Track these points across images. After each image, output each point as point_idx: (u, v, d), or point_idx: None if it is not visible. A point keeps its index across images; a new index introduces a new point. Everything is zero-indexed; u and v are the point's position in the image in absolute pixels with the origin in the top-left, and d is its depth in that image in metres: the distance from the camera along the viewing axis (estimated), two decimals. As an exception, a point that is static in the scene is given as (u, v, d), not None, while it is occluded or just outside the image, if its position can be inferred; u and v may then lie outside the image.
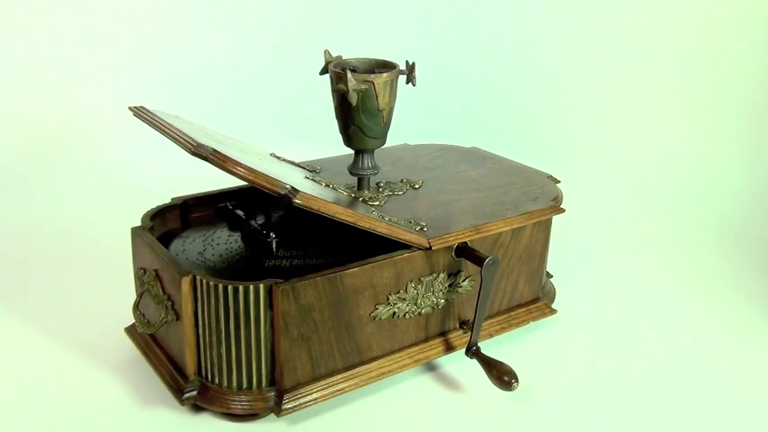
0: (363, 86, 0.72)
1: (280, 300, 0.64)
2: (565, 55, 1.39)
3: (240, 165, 0.61)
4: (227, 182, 0.77)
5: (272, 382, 0.67)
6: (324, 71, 0.77)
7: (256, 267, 0.72)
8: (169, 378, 0.70)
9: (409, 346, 0.75)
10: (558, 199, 0.84)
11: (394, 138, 0.86)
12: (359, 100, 0.73)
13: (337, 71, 0.73)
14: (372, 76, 0.73)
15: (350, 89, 0.71)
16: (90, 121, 1.33)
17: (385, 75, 0.74)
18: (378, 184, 0.85)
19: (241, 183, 0.76)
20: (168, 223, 0.79)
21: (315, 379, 0.69)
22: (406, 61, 0.78)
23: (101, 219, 1.11)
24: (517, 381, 0.71)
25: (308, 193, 0.63)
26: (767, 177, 1.29)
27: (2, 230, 1.06)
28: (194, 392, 0.68)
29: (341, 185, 0.81)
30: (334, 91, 0.74)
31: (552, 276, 0.94)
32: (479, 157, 0.98)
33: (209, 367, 0.67)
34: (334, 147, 0.88)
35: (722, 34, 1.33)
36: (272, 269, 0.72)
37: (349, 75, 0.71)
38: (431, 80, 1.34)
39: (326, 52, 0.77)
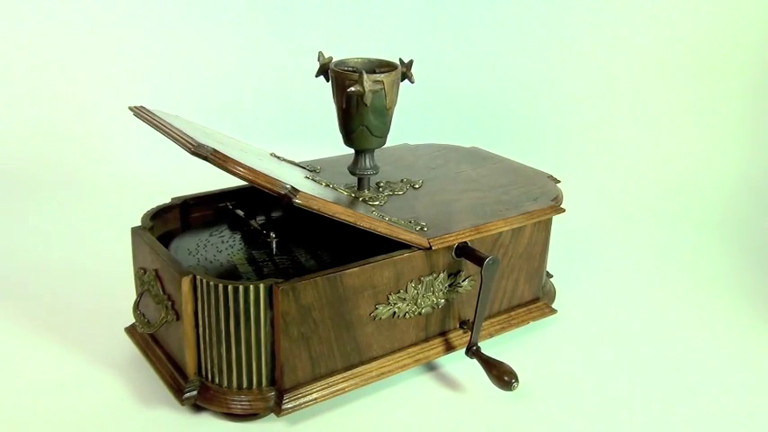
0: (378, 87, 0.72)
1: (280, 300, 0.64)
2: (565, 55, 1.39)
3: (240, 165, 0.61)
4: (227, 182, 0.77)
5: (272, 381, 0.67)
6: (320, 73, 0.77)
7: (256, 267, 0.72)
8: (169, 378, 0.70)
9: (409, 346, 0.75)
10: (558, 199, 0.84)
11: (394, 138, 0.86)
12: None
13: (345, 72, 0.73)
14: (382, 75, 0.73)
15: (366, 90, 0.71)
16: (90, 120, 1.33)
17: (392, 74, 0.74)
18: (378, 184, 0.85)
19: (241, 183, 0.76)
20: (168, 223, 0.79)
21: (315, 379, 0.69)
22: (400, 59, 0.78)
23: (101, 219, 1.11)
24: (517, 381, 0.71)
25: (308, 192, 0.63)
26: (767, 177, 1.29)
27: (2, 230, 1.06)
28: (194, 392, 0.68)
29: (341, 185, 0.81)
30: (345, 92, 0.73)
31: (552, 276, 0.94)
32: (479, 157, 0.98)
33: (209, 367, 0.67)
34: (335, 147, 0.88)
35: (722, 34, 1.33)
36: (274, 268, 0.72)
37: (365, 76, 0.71)
38: (431, 80, 1.34)
39: (320, 54, 0.77)
